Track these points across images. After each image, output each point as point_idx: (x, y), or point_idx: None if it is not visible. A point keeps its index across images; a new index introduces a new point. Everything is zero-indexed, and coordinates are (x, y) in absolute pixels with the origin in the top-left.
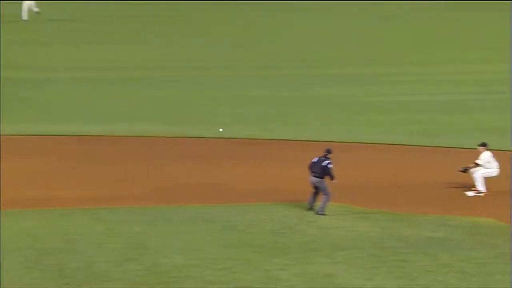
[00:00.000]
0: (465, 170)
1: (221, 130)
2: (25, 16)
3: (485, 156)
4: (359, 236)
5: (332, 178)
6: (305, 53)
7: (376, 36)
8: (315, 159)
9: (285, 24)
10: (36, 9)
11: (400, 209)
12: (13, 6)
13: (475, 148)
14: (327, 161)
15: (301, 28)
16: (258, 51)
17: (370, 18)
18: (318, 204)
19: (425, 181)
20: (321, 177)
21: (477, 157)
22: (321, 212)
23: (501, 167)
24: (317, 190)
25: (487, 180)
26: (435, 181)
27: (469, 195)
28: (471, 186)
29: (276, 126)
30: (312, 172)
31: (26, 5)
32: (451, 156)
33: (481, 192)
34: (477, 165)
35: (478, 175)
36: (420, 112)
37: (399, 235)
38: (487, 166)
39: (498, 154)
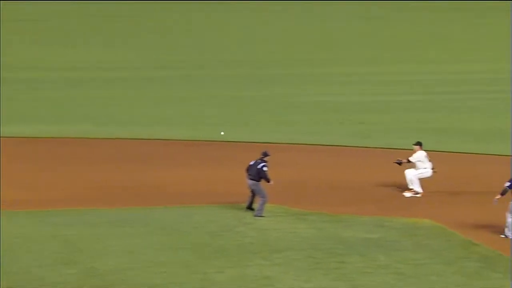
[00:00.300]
0: (399, 163)
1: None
2: None
3: (419, 155)
4: (297, 238)
5: (267, 180)
6: (236, 54)
7: (315, 36)
8: (252, 162)
9: (216, 25)
10: None
11: (337, 210)
12: None
13: (412, 149)
14: (262, 164)
15: (233, 28)
16: (180, 52)
17: (311, 17)
18: (256, 206)
19: (362, 182)
20: (256, 180)
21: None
22: (258, 215)
23: (438, 168)
24: (253, 192)
25: (424, 180)
26: (372, 182)
27: (407, 196)
28: (408, 187)
29: (210, 126)
30: (248, 174)
31: None
32: (388, 157)
33: (418, 193)
34: (408, 161)
35: (412, 176)
36: (358, 112)
37: (337, 237)
38: (418, 165)
39: (438, 155)
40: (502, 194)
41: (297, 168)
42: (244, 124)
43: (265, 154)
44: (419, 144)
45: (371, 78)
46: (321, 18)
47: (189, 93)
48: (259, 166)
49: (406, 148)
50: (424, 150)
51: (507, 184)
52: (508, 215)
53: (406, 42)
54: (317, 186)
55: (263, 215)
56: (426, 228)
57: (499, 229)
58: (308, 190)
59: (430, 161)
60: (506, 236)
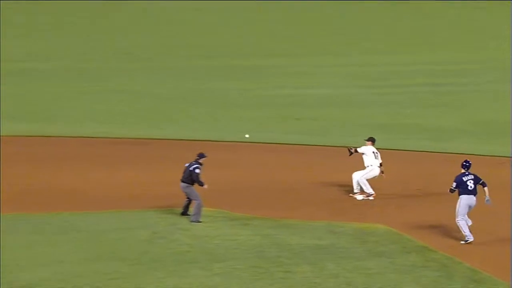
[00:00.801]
0: (350, 151)
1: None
2: None
3: (367, 148)
4: (239, 246)
5: (199, 184)
6: (178, 45)
7: (254, 27)
8: (187, 164)
9: (160, 11)
10: None
11: (283, 214)
12: None
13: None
14: (195, 166)
15: (183, 16)
16: (119, 40)
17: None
18: (192, 210)
19: (312, 184)
20: (189, 183)
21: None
22: (194, 220)
23: (392, 168)
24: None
25: (377, 182)
26: (321, 183)
27: (358, 199)
28: (361, 190)
29: (146, 123)
30: (182, 177)
31: None
32: (339, 156)
33: (370, 195)
34: (356, 151)
35: (359, 178)
36: (304, 107)
37: (283, 244)
38: (365, 160)
39: (392, 153)
40: (451, 191)
41: (241, 169)
42: (186, 120)
43: (201, 156)
44: (371, 140)
45: (332, 70)
46: (273, 10)
47: (124, 86)
48: (191, 168)
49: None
50: (377, 148)
51: (452, 186)
52: (457, 219)
53: (359, 32)
54: (263, 188)
55: (200, 220)
56: (380, 234)
57: (457, 234)
58: (252, 192)
59: (377, 158)
60: (467, 241)
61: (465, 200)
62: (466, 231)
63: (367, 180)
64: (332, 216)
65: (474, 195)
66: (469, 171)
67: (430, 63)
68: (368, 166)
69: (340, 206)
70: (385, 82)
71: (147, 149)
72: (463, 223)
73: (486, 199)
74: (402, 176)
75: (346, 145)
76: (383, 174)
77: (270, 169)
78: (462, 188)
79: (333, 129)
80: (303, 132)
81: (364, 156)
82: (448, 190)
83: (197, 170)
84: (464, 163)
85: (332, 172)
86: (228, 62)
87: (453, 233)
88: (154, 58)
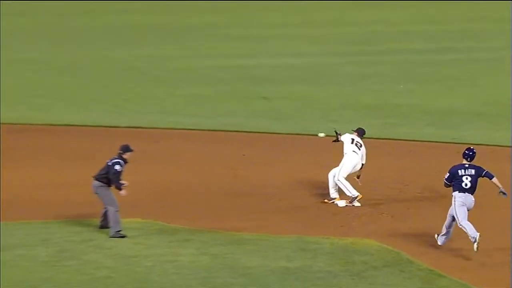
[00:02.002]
0: (337, 138)
1: (322, 135)
2: None
3: (346, 137)
4: (179, 269)
5: (117, 186)
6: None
7: None
8: (109, 160)
9: None
10: None
11: (238, 226)
12: None
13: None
14: (115, 161)
15: None
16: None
17: None
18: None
19: (277, 185)
20: (103, 182)
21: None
22: (114, 235)
23: (387, 165)
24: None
25: (367, 185)
26: (292, 184)
27: (340, 205)
28: (331, 196)
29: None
30: (97, 173)
31: None
32: (311, 146)
33: (354, 199)
34: (337, 139)
35: (337, 177)
36: (263, 82)
37: (238, 266)
38: (345, 150)
39: (380, 143)
40: (445, 186)
41: (180, 165)
42: (87, 100)
43: (125, 149)
44: (359, 131)
45: (295, 32)
46: None
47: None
48: (110, 163)
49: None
50: (364, 139)
51: (445, 177)
52: (459, 223)
53: None
54: (210, 191)
55: (121, 233)
56: (369, 253)
57: (470, 252)
58: (195, 197)
59: (358, 153)
60: (475, 241)
61: (459, 199)
62: (470, 231)
63: (347, 178)
64: (306, 229)
65: (471, 193)
66: (471, 162)
67: (430, 21)
68: (345, 155)
69: (316, 215)
70: (368, 47)
71: (41, 137)
72: (467, 223)
73: (500, 190)
74: (398, 175)
75: (320, 133)
76: (357, 179)
77: (220, 166)
78: (455, 183)
79: (303, 113)
80: (263, 115)
81: (344, 147)
82: (443, 183)
83: (116, 167)
84: (466, 152)
85: (307, 170)
86: (141, 19)
87: (466, 251)
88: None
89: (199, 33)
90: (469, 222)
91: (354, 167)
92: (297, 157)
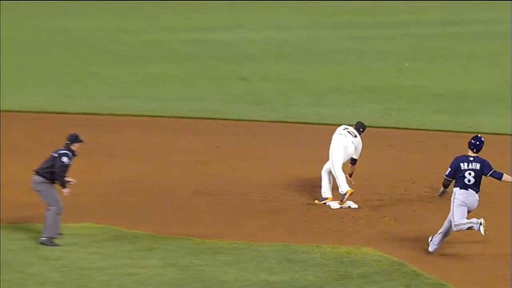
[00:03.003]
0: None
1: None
2: None
3: (343, 126)
4: (142, 284)
5: (61, 183)
6: None
7: None
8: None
9: None
10: None
11: (211, 232)
12: None
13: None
14: (62, 152)
15: None
16: None
17: None
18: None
19: (255, 183)
20: (46, 177)
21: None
22: (45, 241)
23: (391, 157)
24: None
25: (367, 182)
26: (274, 182)
27: (333, 207)
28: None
29: None
30: (39, 167)
31: None
32: (298, 137)
33: (344, 196)
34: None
35: (335, 170)
36: (240, 59)
37: (212, 280)
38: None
39: (383, 133)
40: (445, 186)
41: (141, 159)
42: (47, 82)
43: (74, 139)
44: (358, 127)
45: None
46: None
47: None
48: (56, 155)
49: (330, 123)
50: (361, 129)
51: (446, 173)
52: (454, 226)
53: None
54: (175, 190)
55: (54, 241)
56: (369, 264)
57: (493, 262)
58: (159, 198)
59: (346, 136)
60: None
61: (459, 196)
62: (471, 223)
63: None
64: (292, 235)
65: (476, 191)
66: (478, 154)
67: None
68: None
69: (304, 219)
70: (367, 19)
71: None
72: (462, 222)
73: None
74: (403, 170)
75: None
76: (351, 179)
77: (190, 161)
78: (457, 178)
79: (289, 97)
80: (240, 99)
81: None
82: (443, 180)
83: (64, 159)
84: (472, 141)
85: (293, 165)
86: None
87: (481, 260)
88: None
89: (164, 2)
90: (465, 219)
91: (346, 149)
92: (281, 150)
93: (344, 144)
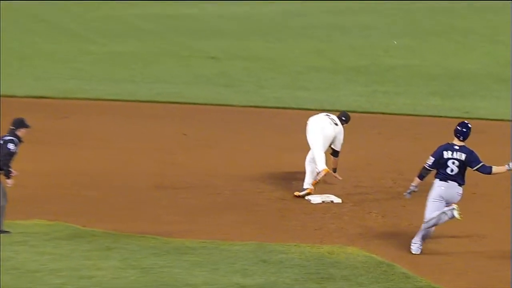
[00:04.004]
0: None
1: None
2: None
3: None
4: None
5: (6, 172)
6: None
7: None
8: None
9: None
10: None
11: (177, 230)
12: None
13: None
14: (7, 138)
15: None
16: None
17: None
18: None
19: (226, 174)
20: None
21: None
22: None
23: (378, 146)
24: None
25: (350, 173)
26: (248, 173)
27: (314, 202)
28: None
29: None
30: None
31: None
32: (273, 123)
33: (317, 175)
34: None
35: (315, 152)
36: (209, 35)
37: (178, 284)
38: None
39: (369, 118)
40: (421, 177)
41: (98, 148)
42: None
43: (19, 124)
44: (341, 115)
45: None
46: None
47: None
48: (1, 141)
49: (309, 108)
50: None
51: (428, 162)
52: (424, 221)
53: None
54: (137, 183)
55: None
56: (352, 265)
57: (490, 262)
58: (119, 191)
59: (322, 117)
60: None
61: (438, 189)
62: (442, 214)
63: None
64: (268, 233)
65: (459, 184)
66: (464, 143)
67: None
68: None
69: (281, 215)
70: None
71: None
72: (434, 222)
73: (508, 169)
74: (391, 161)
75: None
76: (336, 175)
77: (153, 150)
78: (439, 168)
79: (263, 78)
80: (209, 81)
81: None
82: (421, 169)
83: (10, 146)
84: (458, 128)
85: (269, 154)
86: None
87: (477, 259)
88: None
89: None
90: (435, 212)
91: (323, 132)
92: (255, 138)
93: (321, 126)
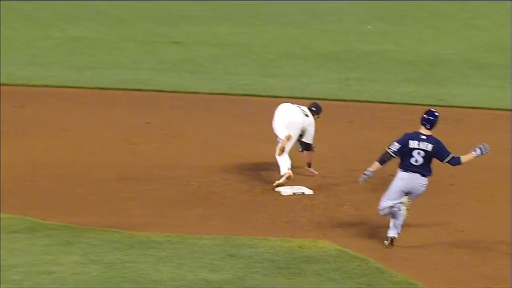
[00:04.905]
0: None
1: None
2: None
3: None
4: (60, 284)
5: None
6: None
7: None
8: None
9: None
10: None
11: (140, 223)
12: None
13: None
14: None
15: None
16: None
17: None
18: None
19: (192, 165)
20: None
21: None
22: None
23: (352, 136)
24: None
25: (325, 164)
26: (214, 164)
27: (284, 194)
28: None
29: None
30: None
31: None
32: (242, 111)
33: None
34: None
35: (280, 139)
36: (174, 20)
37: (143, 280)
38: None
39: (341, 106)
40: (381, 162)
41: (57, 138)
42: None
43: None
44: (312, 105)
45: None
46: None
47: None
48: None
49: (279, 95)
50: (314, 107)
51: (392, 148)
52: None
53: None
54: (98, 174)
55: None
56: (324, 259)
57: (469, 258)
58: (79, 183)
59: (292, 106)
60: (390, 241)
61: (399, 181)
62: (391, 225)
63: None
64: (236, 227)
65: (423, 175)
66: (431, 131)
67: None
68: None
69: (249, 208)
70: None
71: None
72: (386, 211)
73: (475, 155)
74: (364, 151)
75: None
76: (312, 170)
77: (114, 139)
78: (403, 157)
79: (231, 64)
80: (174, 68)
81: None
82: (383, 153)
83: None
84: (425, 116)
85: (236, 144)
86: None
87: (458, 255)
88: None
89: None
90: (387, 202)
91: (291, 116)
92: (222, 127)
93: (289, 114)
